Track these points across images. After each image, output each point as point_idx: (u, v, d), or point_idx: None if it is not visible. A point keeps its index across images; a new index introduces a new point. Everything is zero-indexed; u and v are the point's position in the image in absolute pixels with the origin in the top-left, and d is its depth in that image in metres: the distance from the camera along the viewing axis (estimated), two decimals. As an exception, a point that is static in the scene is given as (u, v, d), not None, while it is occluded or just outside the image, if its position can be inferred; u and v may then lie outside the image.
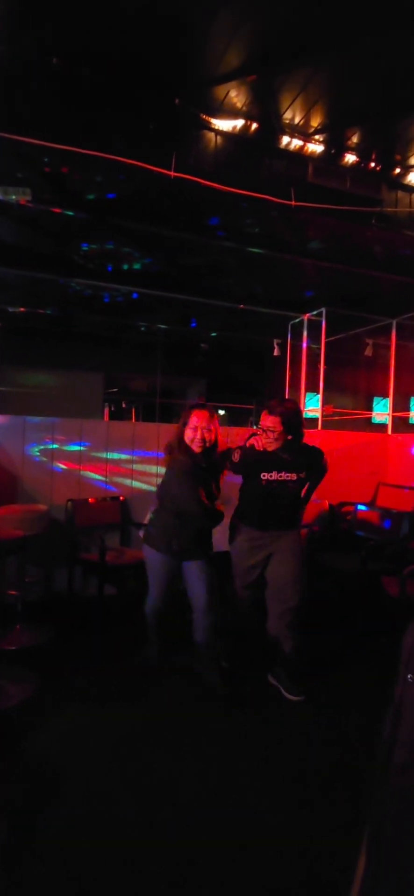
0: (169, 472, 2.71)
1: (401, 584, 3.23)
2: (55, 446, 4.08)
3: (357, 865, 1.01)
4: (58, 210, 3.64)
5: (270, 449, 2.73)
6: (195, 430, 2.59)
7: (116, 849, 1.78)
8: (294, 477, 2.77)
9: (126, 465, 4.31)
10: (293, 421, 2.75)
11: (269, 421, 2.72)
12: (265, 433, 2.72)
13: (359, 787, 2.08)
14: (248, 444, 2.76)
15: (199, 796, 2.05)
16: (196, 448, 2.60)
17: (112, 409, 12.08)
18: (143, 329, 8.48)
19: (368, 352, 6.51)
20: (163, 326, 8.08)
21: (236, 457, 2.72)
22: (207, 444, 2.61)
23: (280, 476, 2.77)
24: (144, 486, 4.37)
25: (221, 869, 1.73)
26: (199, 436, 2.58)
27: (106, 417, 10.48)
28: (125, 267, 5.42)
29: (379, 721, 0.99)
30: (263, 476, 2.76)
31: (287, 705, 2.72)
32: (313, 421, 5.69)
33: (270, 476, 2.77)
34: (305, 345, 5.72)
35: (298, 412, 2.85)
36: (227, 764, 2.25)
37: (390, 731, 0.97)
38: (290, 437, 2.74)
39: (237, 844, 1.83)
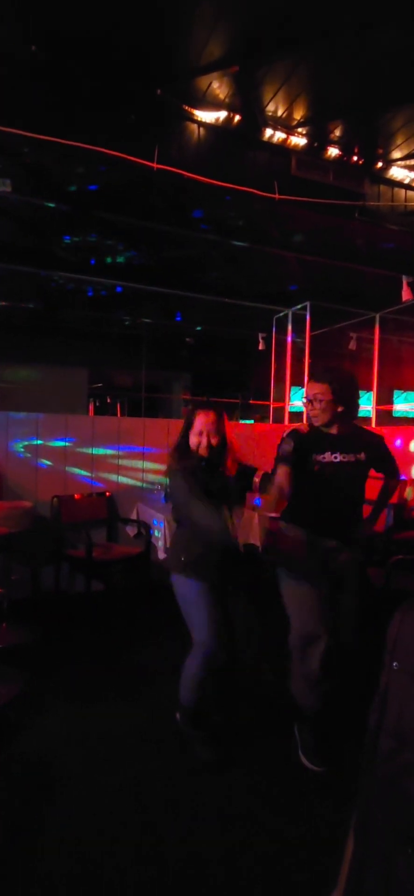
0: (172, 481, 2.25)
1: (386, 575, 3.28)
2: (40, 442, 4.03)
3: (345, 850, 1.03)
4: (39, 202, 3.58)
5: (316, 423, 2.25)
6: (201, 434, 2.20)
7: (106, 848, 1.78)
8: (352, 459, 2.23)
9: (112, 460, 4.29)
10: (346, 389, 2.22)
11: (316, 388, 2.22)
12: (311, 404, 2.24)
13: (340, 772, 2.12)
14: (289, 432, 2.28)
15: (189, 793, 2.05)
16: (202, 454, 2.22)
17: (97, 404, 11.97)
18: (127, 323, 8.42)
19: (352, 345, 6.56)
20: (147, 321, 8.03)
21: (286, 445, 2.22)
22: (215, 449, 2.22)
23: (334, 457, 2.22)
24: (131, 482, 4.35)
25: (219, 866, 1.74)
26: (205, 441, 2.19)
27: (91, 413, 10.39)
28: (108, 260, 5.37)
29: (366, 709, 1.01)
30: (316, 458, 2.21)
31: (280, 700, 2.73)
32: (298, 415, 5.73)
33: (324, 458, 2.21)
34: (289, 339, 5.74)
35: (353, 380, 2.29)
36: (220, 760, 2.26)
37: (376, 718, 0.98)
38: (340, 409, 2.21)
39: (235, 845, 1.84)
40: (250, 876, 1.69)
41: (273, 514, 2.23)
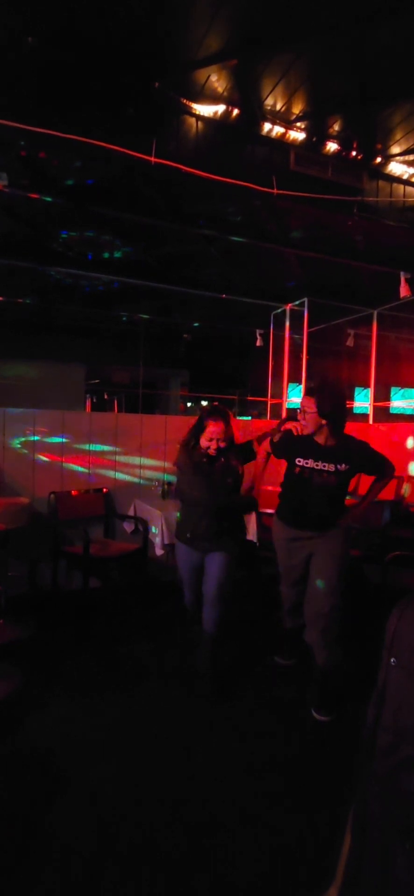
0: (179, 470, 2.72)
1: (383, 571, 3.29)
2: (37, 438, 4.02)
3: (342, 845, 1.03)
4: (35, 196, 3.55)
5: (304, 433, 2.57)
6: (211, 441, 2.59)
7: (108, 840, 1.78)
8: (332, 468, 2.51)
9: (109, 456, 4.27)
10: (330, 406, 2.49)
11: (305, 401, 2.55)
12: (301, 415, 2.57)
13: (342, 769, 2.12)
14: (283, 429, 2.67)
15: (187, 787, 2.06)
16: (212, 454, 2.62)
17: (94, 400, 11.96)
18: (124, 319, 8.39)
19: (350, 342, 6.56)
20: (145, 317, 8.00)
21: (277, 438, 2.67)
22: (223, 447, 2.62)
23: (316, 465, 2.53)
24: (128, 478, 4.34)
25: (216, 855, 1.74)
26: (214, 447, 2.59)
27: (88, 409, 10.37)
28: (106, 256, 5.34)
29: (364, 705, 1.00)
30: (298, 462, 2.58)
31: (274, 695, 2.74)
32: (296, 411, 5.72)
33: (306, 463, 2.55)
34: (287, 335, 5.73)
35: (339, 397, 2.57)
36: (214, 754, 2.26)
37: (374, 714, 0.98)
38: (324, 423, 2.50)
39: (230, 837, 1.84)
40: (243, 861, 1.69)
41: (269, 511, 2.91)
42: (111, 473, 4.27)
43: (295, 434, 2.60)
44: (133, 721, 2.46)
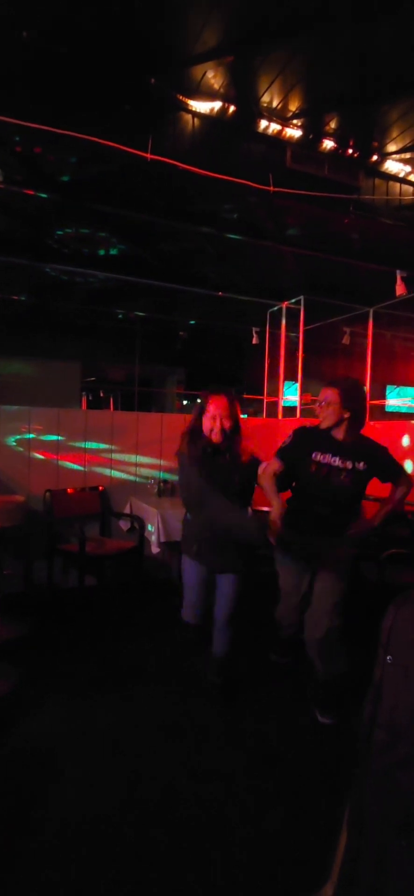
0: (179, 467, 2.42)
1: (379, 569, 3.30)
2: (32, 436, 4.00)
3: (339, 842, 1.03)
4: (31, 192, 3.52)
5: (324, 424, 2.37)
6: (213, 419, 2.29)
7: (104, 840, 1.77)
8: (349, 465, 2.34)
9: (105, 454, 4.26)
10: (354, 398, 2.35)
11: (327, 392, 2.35)
12: (321, 406, 2.36)
13: (339, 767, 2.13)
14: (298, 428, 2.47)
15: (183, 785, 2.06)
16: (216, 439, 2.31)
17: (90, 398, 11.91)
18: (120, 317, 8.37)
19: (346, 340, 6.56)
20: (141, 314, 7.98)
21: (288, 440, 2.44)
22: (227, 433, 2.33)
23: (334, 461, 2.35)
24: (124, 476, 4.33)
25: (213, 855, 1.74)
26: (218, 426, 2.29)
27: (83, 406, 10.33)
28: (101, 252, 5.32)
29: (360, 704, 1.00)
30: (315, 457, 2.37)
31: (273, 694, 2.73)
32: (292, 409, 5.72)
33: (324, 458, 2.36)
34: (283, 333, 5.73)
35: (362, 391, 2.46)
36: (212, 753, 2.26)
37: (370, 712, 0.98)
38: (347, 416, 2.33)
39: (227, 836, 1.84)
40: (238, 859, 1.70)
41: (265, 509, 2.59)
42: (107, 471, 4.26)
43: (309, 428, 2.45)
44: (129, 720, 2.45)
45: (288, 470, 2.46)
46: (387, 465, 2.43)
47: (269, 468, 2.43)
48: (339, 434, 2.38)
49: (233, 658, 2.65)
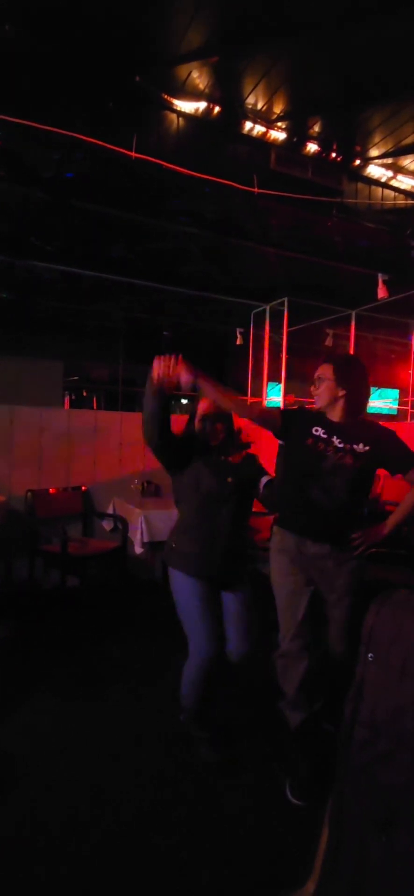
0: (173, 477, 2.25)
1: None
2: (13, 435, 3.93)
3: (320, 838, 1.04)
4: (12, 187, 3.46)
5: (318, 404, 2.10)
6: (203, 419, 2.20)
7: (79, 839, 1.75)
8: (348, 447, 1.99)
9: (88, 454, 4.22)
10: (349, 373, 2.06)
11: (321, 368, 2.09)
12: (314, 385, 2.10)
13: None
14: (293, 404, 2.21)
15: (164, 787, 2.05)
16: (211, 441, 2.19)
17: (72, 397, 11.79)
18: (103, 316, 8.29)
19: (329, 342, 6.64)
20: (124, 313, 7.92)
21: (289, 408, 2.14)
22: (221, 437, 2.20)
23: (331, 440, 2.01)
24: (107, 476, 4.30)
25: (197, 856, 1.74)
26: (209, 428, 2.19)
27: (66, 406, 10.22)
28: (85, 251, 5.25)
29: (342, 702, 1.02)
30: (315, 430, 2.04)
31: (264, 695, 2.73)
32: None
33: (318, 432, 2.04)
34: (267, 334, 5.76)
35: (359, 367, 2.11)
36: (194, 754, 2.26)
37: (351, 709, 1.00)
38: (341, 393, 2.03)
39: (210, 835, 1.84)
40: (216, 861, 1.70)
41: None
42: (90, 471, 4.22)
43: (305, 408, 2.19)
44: (110, 720, 2.43)
45: (281, 425, 2.13)
46: (396, 452, 2.02)
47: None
48: (335, 416, 2.07)
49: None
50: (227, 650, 2.10)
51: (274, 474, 2.29)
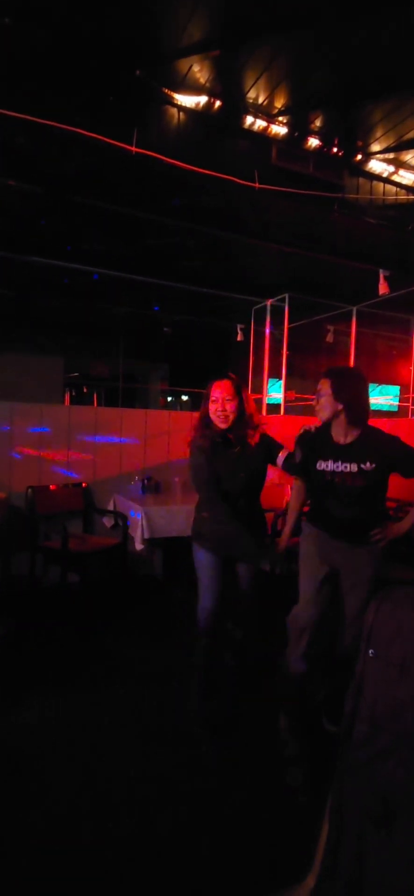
0: (190, 457, 2.41)
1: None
2: (14, 432, 3.93)
3: (320, 834, 1.04)
4: (12, 183, 3.45)
5: (320, 417, 2.24)
6: (216, 402, 2.31)
7: (79, 837, 1.76)
8: (355, 468, 2.14)
9: (88, 450, 4.22)
10: (346, 387, 2.17)
11: (320, 383, 2.23)
12: (316, 400, 2.25)
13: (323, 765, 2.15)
14: (300, 432, 2.35)
15: (162, 781, 2.05)
16: (220, 423, 2.31)
17: (73, 393, 11.79)
18: (104, 312, 8.27)
19: (329, 338, 6.62)
20: (125, 310, 7.91)
21: (298, 456, 2.31)
22: (232, 416, 2.31)
23: (337, 466, 2.19)
24: (108, 473, 4.29)
25: (191, 853, 1.74)
26: (220, 406, 2.30)
27: (67, 402, 10.22)
28: (85, 247, 5.24)
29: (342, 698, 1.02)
30: (319, 465, 2.24)
31: (268, 693, 2.71)
32: (276, 406, 5.76)
33: (326, 466, 2.22)
34: (268, 330, 5.75)
35: (357, 379, 2.25)
36: (196, 752, 2.26)
37: (352, 705, 1.00)
38: (340, 407, 2.16)
39: (211, 830, 1.85)
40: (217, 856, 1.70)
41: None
42: (90, 468, 4.22)
43: (311, 434, 2.31)
44: (110, 717, 2.44)
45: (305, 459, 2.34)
46: (401, 456, 2.16)
47: (294, 487, 2.48)
48: (339, 435, 2.21)
49: (251, 642, 2.60)
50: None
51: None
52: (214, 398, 2.33)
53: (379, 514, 2.27)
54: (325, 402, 2.20)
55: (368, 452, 2.15)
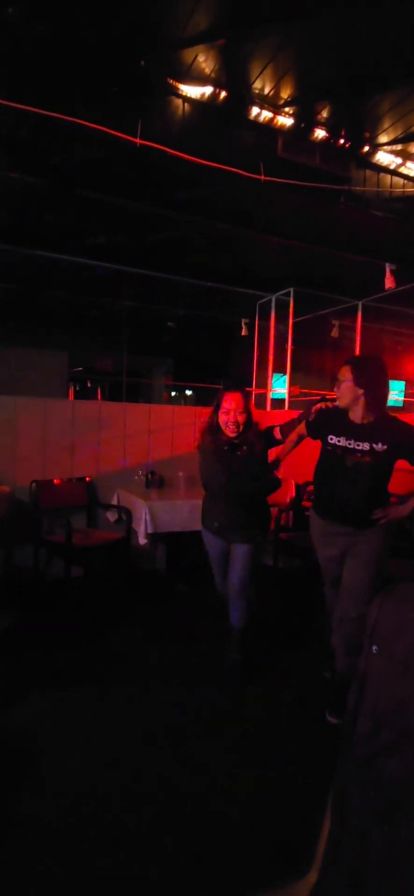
0: (201, 455, 2.65)
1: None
2: (18, 426, 3.94)
3: (322, 828, 1.04)
4: (16, 176, 3.44)
5: (340, 403, 2.32)
6: (227, 413, 2.51)
7: (84, 832, 1.77)
8: (367, 447, 2.23)
9: (92, 445, 4.22)
10: (367, 374, 2.24)
11: (341, 370, 2.31)
12: (337, 385, 2.32)
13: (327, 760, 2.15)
14: (315, 409, 2.45)
15: (162, 777, 2.06)
16: (230, 433, 2.52)
17: (77, 388, 11.82)
18: (108, 307, 8.26)
19: (335, 333, 6.58)
20: (129, 304, 7.89)
21: (312, 417, 2.43)
22: (241, 428, 2.51)
23: (349, 443, 2.27)
24: (111, 467, 4.29)
25: (194, 848, 1.75)
26: (232, 419, 2.50)
27: (71, 397, 10.24)
28: (89, 241, 5.23)
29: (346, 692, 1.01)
30: (330, 439, 2.34)
31: (276, 690, 2.71)
32: (281, 401, 5.73)
33: (338, 441, 2.31)
34: (272, 325, 5.72)
35: (377, 366, 2.31)
36: (202, 744, 2.26)
37: (355, 701, 0.99)
38: (361, 392, 2.23)
39: (216, 824, 1.85)
40: (224, 852, 1.70)
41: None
42: (94, 462, 4.22)
43: (325, 409, 2.42)
44: (114, 710, 2.44)
45: (312, 435, 2.50)
46: (412, 444, 2.24)
47: (299, 430, 2.55)
48: (356, 416, 2.28)
49: (251, 637, 2.75)
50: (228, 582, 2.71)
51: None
52: (225, 409, 2.50)
53: (381, 502, 2.33)
54: (345, 389, 2.26)
55: (382, 434, 2.23)
